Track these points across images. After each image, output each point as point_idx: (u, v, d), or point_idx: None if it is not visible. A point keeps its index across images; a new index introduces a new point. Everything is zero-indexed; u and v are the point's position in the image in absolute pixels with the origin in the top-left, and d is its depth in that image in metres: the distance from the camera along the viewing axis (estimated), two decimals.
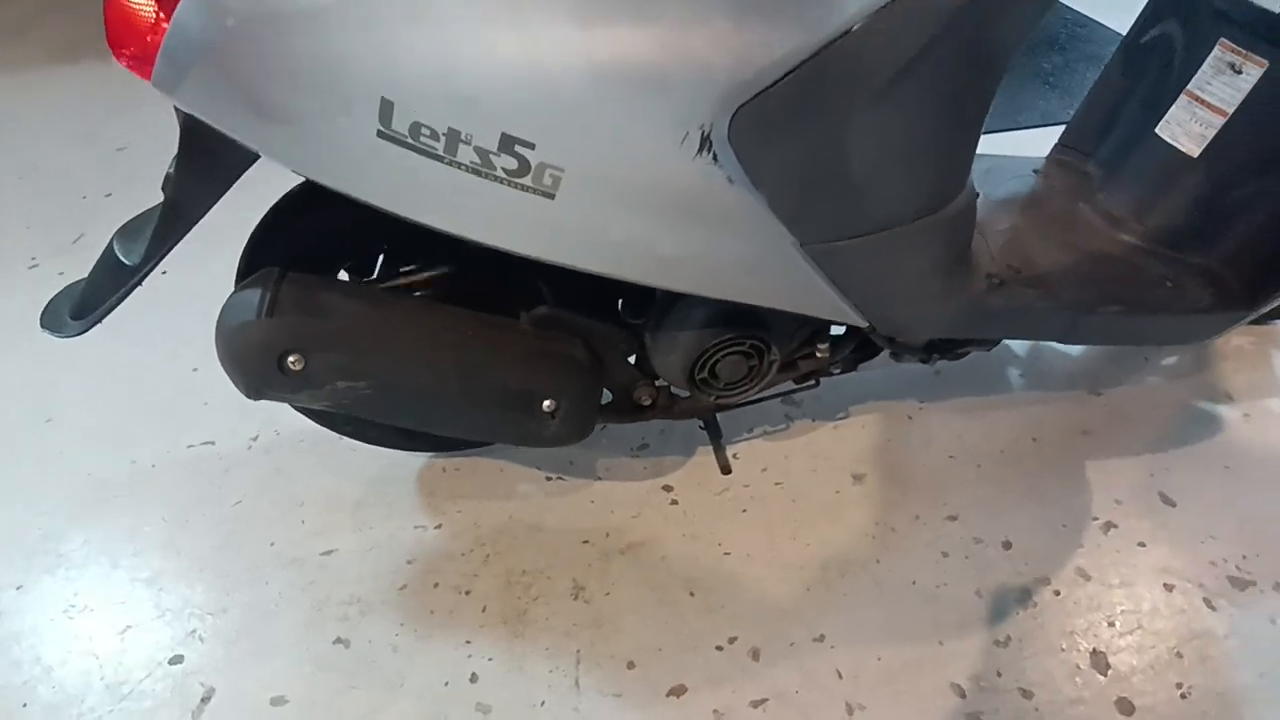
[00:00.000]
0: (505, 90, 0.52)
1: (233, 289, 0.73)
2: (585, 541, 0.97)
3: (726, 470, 1.03)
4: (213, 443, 1.10)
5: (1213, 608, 0.91)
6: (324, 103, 0.52)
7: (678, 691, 0.83)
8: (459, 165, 0.54)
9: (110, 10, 0.56)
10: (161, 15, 0.54)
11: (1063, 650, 0.87)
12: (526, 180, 0.55)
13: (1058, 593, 0.93)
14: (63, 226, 1.51)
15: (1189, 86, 0.95)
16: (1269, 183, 0.90)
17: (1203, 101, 0.93)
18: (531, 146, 0.53)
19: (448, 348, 0.68)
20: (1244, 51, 0.89)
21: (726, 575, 0.94)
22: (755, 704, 0.82)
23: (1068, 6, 2.39)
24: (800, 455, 1.07)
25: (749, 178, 0.58)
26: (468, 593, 0.93)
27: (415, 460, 1.06)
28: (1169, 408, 1.14)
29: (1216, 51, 0.92)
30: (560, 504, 1.01)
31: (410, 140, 0.53)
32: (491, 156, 0.54)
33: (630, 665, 0.85)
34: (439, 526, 0.99)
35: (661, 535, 0.98)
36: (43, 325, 0.76)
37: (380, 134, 0.53)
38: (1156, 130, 0.98)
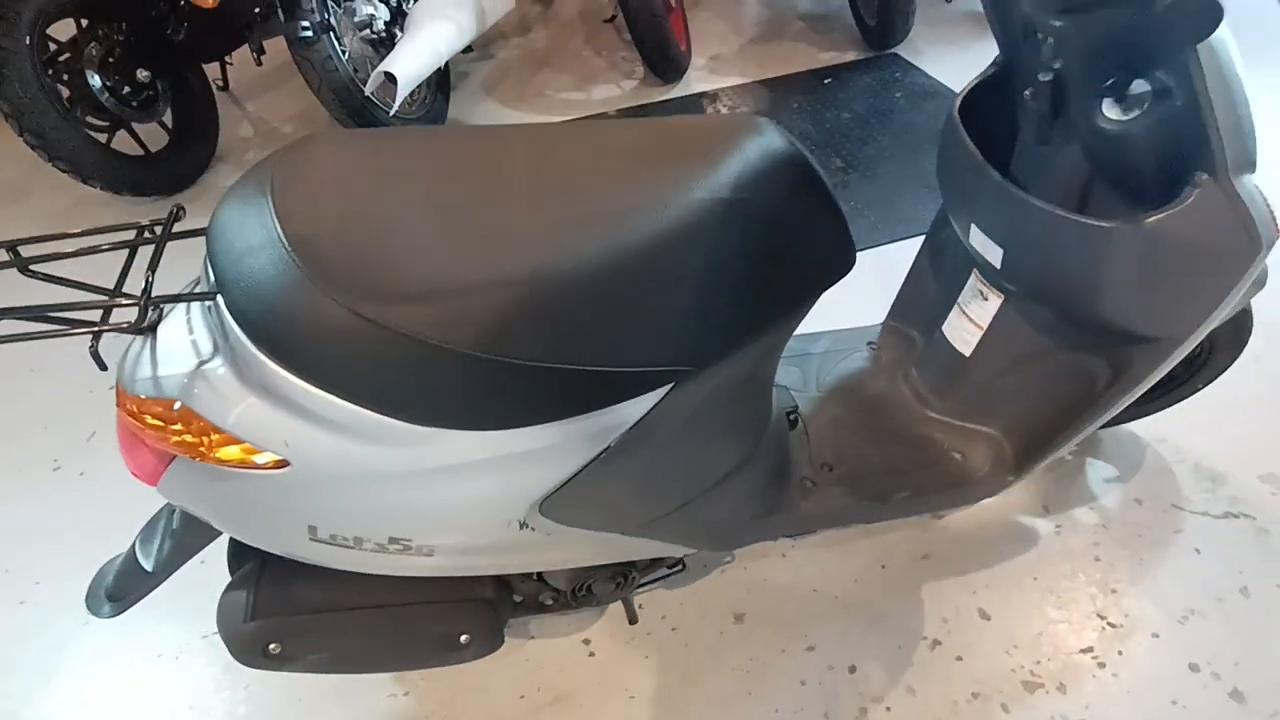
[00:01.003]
0: (388, 518, 0.78)
1: (227, 574, 1.00)
2: (521, 697, 1.23)
3: (633, 620, 1.29)
4: None
5: (1006, 711, 1.17)
6: (273, 526, 0.79)
7: None
8: (365, 550, 0.80)
9: (122, 445, 0.81)
10: (158, 465, 0.79)
11: None
12: (411, 552, 0.81)
13: (889, 709, 1.18)
14: (76, 424, 1.77)
15: (958, 300, 1.20)
16: (1022, 380, 1.16)
17: (966, 315, 1.18)
18: (411, 540, 0.80)
19: (388, 618, 0.94)
20: (987, 284, 1.15)
21: (633, 717, 1.20)
22: None
23: (952, 90, 2.63)
24: (691, 601, 1.33)
25: (565, 526, 0.84)
26: None
27: None
28: (995, 526, 1.40)
29: (971, 278, 1.18)
30: (501, 665, 1.27)
31: (330, 542, 0.79)
32: (385, 544, 0.80)
33: None
34: (407, 694, 1.25)
35: (581, 686, 1.24)
36: (89, 608, 1.02)
37: (310, 539, 0.79)
38: (942, 328, 1.24)
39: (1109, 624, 1.25)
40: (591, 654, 1.28)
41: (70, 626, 1.38)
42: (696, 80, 2.95)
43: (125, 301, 0.70)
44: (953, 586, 1.32)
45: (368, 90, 2.30)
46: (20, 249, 0.74)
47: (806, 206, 0.81)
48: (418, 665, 1.03)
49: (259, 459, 0.71)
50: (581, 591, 1.06)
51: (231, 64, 3.00)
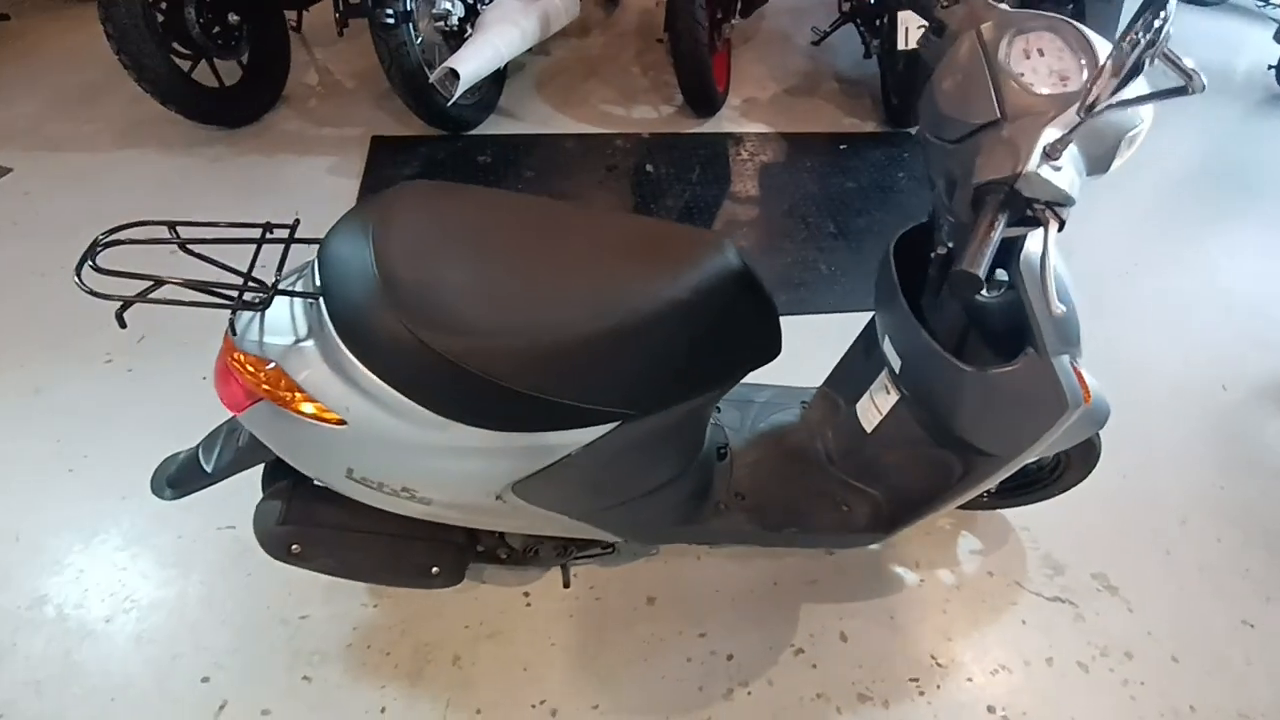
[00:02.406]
0: (406, 473, 1.08)
1: (261, 489, 1.29)
2: (466, 627, 1.54)
3: (567, 585, 1.59)
4: (234, 527, 1.65)
5: (839, 713, 1.49)
6: (323, 462, 1.08)
7: None
8: (384, 492, 1.10)
9: (219, 380, 1.10)
10: (245, 401, 1.08)
11: None
12: (415, 500, 1.11)
13: (750, 693, 1.50)
14: (129, 327, 2.04)
15: (870, 387, 1.50)
16: (903, 460, 1.46)
17: (873, 400, 1.48)
18: (417, 491, 1.09)
19: (383, 543, 1.24)
20: (890, 382, 1.44)
21: (551, 660, 1.51)
22: None
23: None
24: (616, 579, 1.64)
25: (529, 505, 1.14)
26: (388, 653, 1.49)
27: None
28: (872, 569, 1.71)
29: (883, 372, 1.47)
30: (456, 599, 1.57)
31: (360, 482, 1.09)
32: (398, 491, 1.09)
33: (478, 711, 1.43)
34: (376, 605, 1.55)
35: (516, 627, 1.55)
36: (152, 489, 1.31)
37: (347, 477, 1.08)
38: (855, 406, 1.53)
39: (937, 663, 1.57)
40: (529, 605, 1.59)
41: (111, 500, 1.68)
42: (727, 120, 3.23)
43: (255, 285, 0.99)
44: (825, 609, 1.63)
45: (432, 79, 2.56)
46: (178, 229, 1.02)
47: (746, 312, 1.10)
48: (397, 584, 1.34)
49: (326, 415, 1.00)
50: (531, 553, 1.36)
51: (308, 11, 3.23)
